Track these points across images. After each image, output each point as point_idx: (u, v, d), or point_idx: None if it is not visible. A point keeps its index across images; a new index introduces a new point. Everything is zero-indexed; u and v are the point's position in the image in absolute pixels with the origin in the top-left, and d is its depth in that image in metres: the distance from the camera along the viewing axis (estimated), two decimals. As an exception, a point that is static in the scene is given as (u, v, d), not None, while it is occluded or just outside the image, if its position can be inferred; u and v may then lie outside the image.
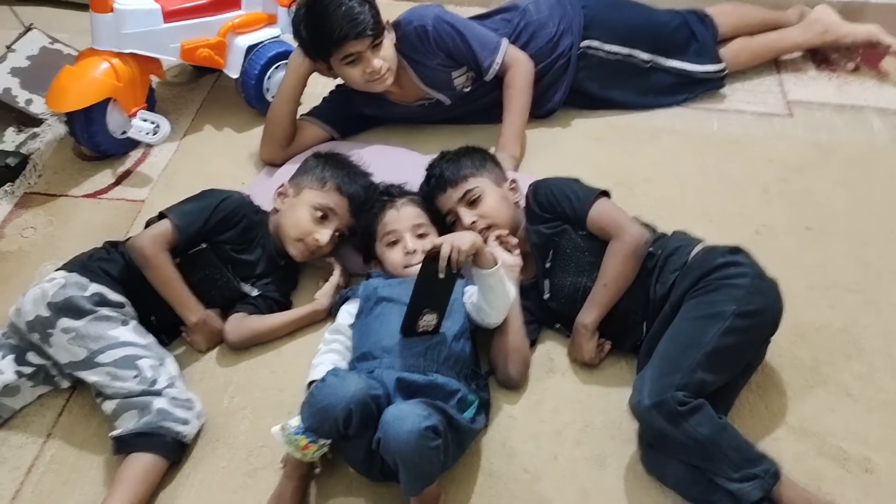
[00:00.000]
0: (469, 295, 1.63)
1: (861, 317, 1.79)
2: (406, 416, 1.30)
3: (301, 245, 1.79)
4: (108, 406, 1.55)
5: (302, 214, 1.79)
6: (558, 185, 1.74)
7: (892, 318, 1.79)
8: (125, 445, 1.50)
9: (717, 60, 2.42)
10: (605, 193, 1.72)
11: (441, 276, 1.45)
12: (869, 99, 2.46)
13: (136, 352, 1.57)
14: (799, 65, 2.61)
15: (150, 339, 1.63)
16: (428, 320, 1.51)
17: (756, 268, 1.58)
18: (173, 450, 1.51)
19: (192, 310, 1.70)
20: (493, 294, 1.55)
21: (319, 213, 1.79)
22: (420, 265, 1.48)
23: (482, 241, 1.53)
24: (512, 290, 1.60)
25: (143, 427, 1.49)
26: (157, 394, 1.53)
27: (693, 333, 1.49)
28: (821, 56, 2.62)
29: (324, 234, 1.78)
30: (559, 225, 1.70)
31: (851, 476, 1.49)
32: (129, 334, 1.60)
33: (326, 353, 1.61)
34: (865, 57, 2.58)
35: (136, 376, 1.54)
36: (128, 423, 1.51)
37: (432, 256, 1.44)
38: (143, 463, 1.47)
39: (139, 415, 1.51)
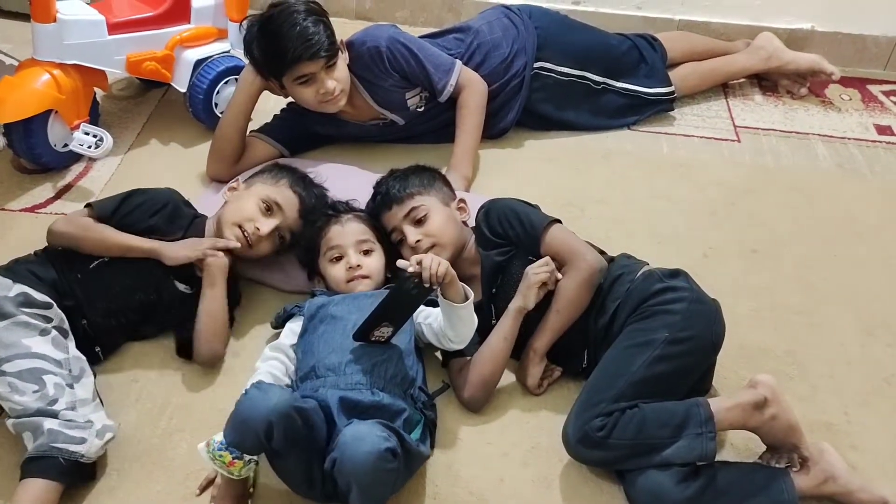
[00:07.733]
0: (426, 317, 1.60)
1: (804, 339, 1.81)
2: (365, 437, 1.27)
3: (238, 231, 1.71)
4: (9, 426, 1.46)
5: (248, 203, 1.74)
6: (511, 208, 1.70)
7: (834, 341, 1.81)
8: (21, 472, 1.41)
9: (667, 83, 2.46)
10: (558, 221, 1.69)
11: (415, 292, 1.43)
12: (814, 126, 2.52)
13: (45, 366, 1.47)
14: (747, 91, 2.66)
15: (67, 356, 1.52)
16: (383, 332, 1.49)
17: (694, 291, 1.57)
18: (67, 472, 1.41)
19: (153, 244, 1.67)
20: (462, 324, 1.53)
21: (265, 205, 1.74)
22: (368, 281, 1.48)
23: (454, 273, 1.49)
24: (475, 319, 1.57)
25: (34, 451, 1.40)
26: (53, 415, 1.42)
27: (620, 363, 1.50)
28: (768, 84, 2.68)
29: (265, 224, 1.72)
30: (510, 251, 1.68)
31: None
32: (43, 346, 1.50)
33: (266, 364, 1.57)
34: (811, 85, 2.65)
35: (36, 391, 1.44)
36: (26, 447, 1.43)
37: (413, 273, 1.42)
38: (34, 489, 1.38)
39: (32, 438, 1.43)
